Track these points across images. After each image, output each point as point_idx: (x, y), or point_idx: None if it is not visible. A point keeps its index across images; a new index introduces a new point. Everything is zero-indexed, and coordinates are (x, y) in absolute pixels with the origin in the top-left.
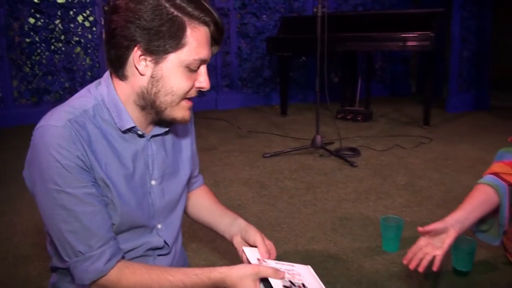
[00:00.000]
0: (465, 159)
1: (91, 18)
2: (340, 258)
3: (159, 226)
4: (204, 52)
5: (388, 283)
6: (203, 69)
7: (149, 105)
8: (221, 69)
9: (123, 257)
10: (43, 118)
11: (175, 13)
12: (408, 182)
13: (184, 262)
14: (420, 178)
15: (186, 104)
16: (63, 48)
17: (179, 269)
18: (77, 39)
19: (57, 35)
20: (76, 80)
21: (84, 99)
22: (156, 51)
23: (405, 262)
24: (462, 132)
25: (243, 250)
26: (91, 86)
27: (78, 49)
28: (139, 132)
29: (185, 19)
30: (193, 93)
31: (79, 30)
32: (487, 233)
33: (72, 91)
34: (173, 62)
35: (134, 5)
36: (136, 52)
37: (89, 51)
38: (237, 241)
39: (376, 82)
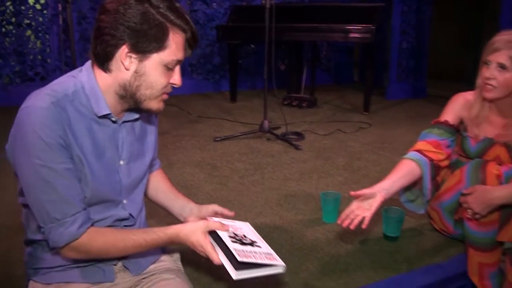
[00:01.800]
0: (401, 142)
1: (42, 1)
2: (285, 229)
3: (124, 201)
4: (180, 54)
5: (326, 248)
6: (177, 68)
7: (129, 96)
8: None
9: (92, 225)
10: (28, 99)
11: (161, 19)
12: (347, 163)
13: None
14: (358, 159)
15: (162, 97)
16: (14, 31)
17: (140, 229)
18: (28, 21)
19: (8, 18)
20: (26, 63)
21: (65, 84)
22: (142, 51)
23: (339, 222)
24: (400, 118)
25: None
26: (73, 73)
27: (29, 32)
28: (113, 119)
29: (169, 25)
30: (168, 89)
31: (30, 12)
32: (413, 203)
33: (22, 75)
34: (155, 61)
35: (124, 9)
36: (123, 50)
37: (40, 34)
38: (191, 221)
39: (321, 70)
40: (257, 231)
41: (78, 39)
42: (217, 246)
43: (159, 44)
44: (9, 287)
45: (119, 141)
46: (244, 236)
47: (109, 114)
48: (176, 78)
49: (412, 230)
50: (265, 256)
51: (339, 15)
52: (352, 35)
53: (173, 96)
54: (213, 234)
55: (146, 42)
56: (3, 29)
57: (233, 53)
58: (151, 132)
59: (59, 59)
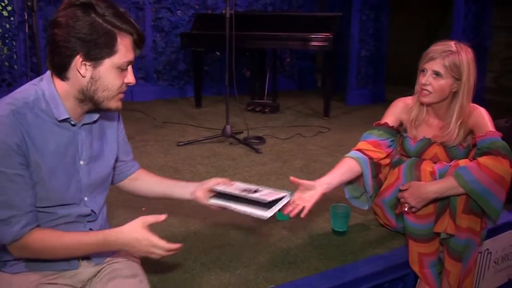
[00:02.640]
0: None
1: (9, 8)
2: (241, 226)
3: (85, 198)
4: (130, 55)
5: (278, 243)
6: (130, 68)
7: (88, 99)
8: (136, 61)
9: (38, 226)
10: None
11: (108, 27)
12: (304, 165)
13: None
14: (314, 161)
15: (119, 96)
16: None
17: (84, 232)
18: None
19: None
20: None
21: (27, 92)
22: (94, 58)
23: (284, 212)
24: (357, 122)
25: (212, 192)
26: (34, 82)
27: None
28: (72, 122)
29: (116, 31)
30: (124, 88)
31: None
32: (358, 200)
33: None
34: (108, 65)
35: (74, 22)
36: (78, 60)
37: (7, 41)
38: (199, 194)
39: (285, 76)
40: (215, 229)
41: (44, 46)
42: (232, 202)
43: (110, 49)
44: None
45: (79, 143)
46: (248, 188)
47: (68, 118)
48: (129, 77)
49: (359, 225)
50: (276, 193)
51: (299, 24)
52: (311, 43)
53: (139, 102)
54: (222, 195)
55: (97, 50)
56: None
57: (198, 60)
58: (112, 133)
59: (26, 65)
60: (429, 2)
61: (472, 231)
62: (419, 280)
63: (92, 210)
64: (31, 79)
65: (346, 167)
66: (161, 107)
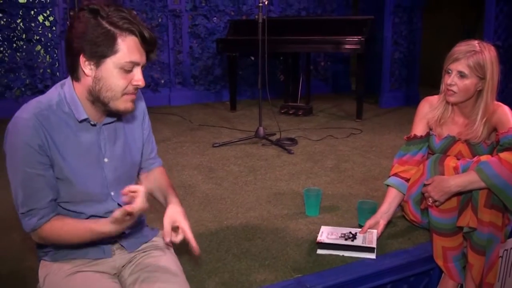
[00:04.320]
0: (388, 146)
1: (51, 18)
2: (271, 221)
3: (112, 193)
4: (134, 56)
5: (307, 237)
6: (136, 70)
7: (96, 99)
8: (174, 67)
9: (56, 215)
10: (18, 111)
11: (109, 27)
12: (334, 165)
13: (141, 219)
14: (345, 161)
15: (127, 97)
16: (24, 46)
17: (88, 220)
18: (37, 37)
19: (19, 34)
20: (36, 77)
21: (50, 95)
22: (95, 57)
23: None
24: (390, 124)
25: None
26: (58, 85)
27: (39, 47)
28: (92, 122)
29: (117, 31)
30: (130, 90)
31: (39, 29)
32: None
33: (33, 88)
34: (110, 65)
35: (77, 23)
36: (82, 59)
37: (49, 49)
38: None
39: (319, 80)
40: (246, 223)
41: None
42: (343, 252)
43: (110, 49)
44: (25, 270)
45: (101, 142)
46: (342, 233)
47: (87, 118)
48: (136, 79)
49: None
50: (370, 235)
51: (331, 28)
52: (343, 46)
53: (176, 106)
54: (327, 245)
55: (98, 49)
56: (14, 45)
57: (233, 64)
58: (137, 130)
59: (67, 72)
60: (463, 4)
61: (494, 226)
62: (443, 274)
63: (119, 204)
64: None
65: (392, 195)
66: (198, 111)
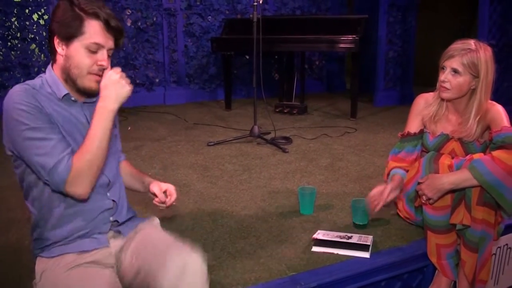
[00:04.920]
0: (382, 145)
1: (45, 17)
2: (266, 220)
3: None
4: (98, 38)
5: (301, 235)
6: (103, 52)
7: (67, 76)
8: (169, 66)
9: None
10: (9, 92)
11: (78, 12)
12: (329, 163)
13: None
14: (340, 160)
15: (91, 77)
16: (19, 45)
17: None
18: (32, 36)
19: (13, 32)
20: (31, 75)
21: (34, 81)
22: (65, 38)
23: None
24: (384, 123)
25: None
26: (40, 75)
27: (33, 45)
28: (72, 98)
29: (84, 15)
30: (95, 69)
31: (34, 27)
32: None
33: None
34: (77, 45)
35: (54, 11)
36: (56, 40)
37: (44, 48)
38: (155, 190)
39: (314, 79)
40: (241, 222)
41: None
42: (337, 249)
43: (78, 31)
44: (21, 268)
45: (87, 117)
46: (339, 234)
47: (67, 93)
48: (100, 59)
49: (379, 219)
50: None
51: (326, 27)
52: (337, 45)
53: (171, 105)
54: (322, 242)
55: (67, 31)
56: (9, 43)
57: (228, 63)
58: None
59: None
60: (458, 3)
61: (486, 223)
62: (437, 271)
63: (108, 179)
64: None
65: (397, 178)
66: (192, 110)
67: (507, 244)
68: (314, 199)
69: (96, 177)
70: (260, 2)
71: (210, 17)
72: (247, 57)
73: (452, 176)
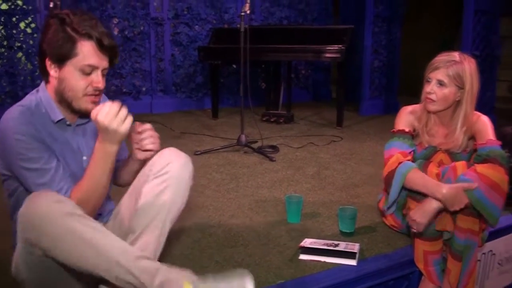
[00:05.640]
0: (368, 153)
1: (32, 25)
2: (253, 229)
3: None
4: (92, 59)
5: (289, 243)
6: (98, 72)
7: (62, 99)
8: (156, 75)
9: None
10: (3, 116)
11: (70, 33)
12: (315, 172)
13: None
14: (326, 168)
15: (87, 99)
16: (5, 53)
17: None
18: (19, 44)
19: (0, 41)
20: (17, 84)
21: (29, 100)
22: (58, 60)
23: None
24: (370, 132)
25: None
26: (33, 92)
27: (20, 54)
28: (67, 123)
29: (76, 36)
30: (90, 91)
31: (21, 36)
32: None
33: (13, 95)
34: (70, 67)
35: (45, 30)
36: (48, 62)
37: (30, 56)
38: (139, 156)
39: (300, 88)
40: (229, 231)
41: None
42: (323, 257)
43: (70, 52)
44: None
45: (78, 141)
46: (327, 242)
47: (63, 119)
48: (96, 81)
49: (366, 227)
50: (352, 244)
51: (312, 37)
52: (324, 54)
53: (158, 114)
54: (309, 250)
55: (60, 52)
56: None
57: (215, 72)
58: None
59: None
60: (442, 14)
61: (471, 231)
62: (423, 277)
63: None
64: None
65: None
66: (179, 119)
67: (491, 250)
68: (301, 208)
69: (95, 209)
70: (248, 12)
71: (197, 26)
72: (234, 66)
73: (434, 201)
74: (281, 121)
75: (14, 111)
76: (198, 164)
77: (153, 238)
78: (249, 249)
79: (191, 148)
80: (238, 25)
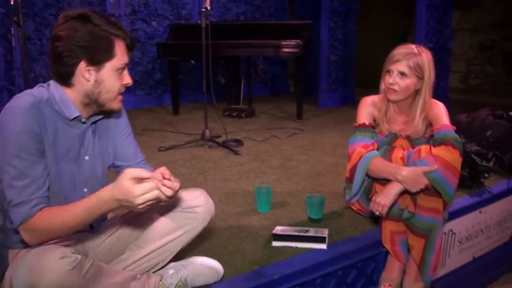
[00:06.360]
0: (329, 144)
1: None
2: (225, 220)
3: (85, 190)
4: (126, 58)
5: (261, 232)
6: (126, 71)
7: (93, 102)
8: None
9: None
10: (10, 102)
11: (105, 34)
12: (280, 163)
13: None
14: (290, 160)
15: (119, 97)
16: None
17: (81, 200)
18: None
19: None
20: None
21: (39, 92)
22: (96, 63)
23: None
24: (329, 124)
25: None
26: (44, 85)
27: None
28: (82, 120)
29: (112, 37)
30: (122, 89)
31: None
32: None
33: None
34: (109, 68)
35: (74, 33)
36: (82, 66)
37: None
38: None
39: (259, 82)
40: None
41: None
42: (295, 242)
43: (109, 54)
44: None
45: (86, 140)
46: (298, 229)
47: (79, 116)
48: (127, 78)
49: (334, 213)
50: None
51: (271, 32)
52: (282, 49)
53: None
54: (281, 237)
55: (98, 54)
56: None
57: (174, 69)
58: (112, 132)
59: (5, 79)
60: (396, 9)
61: (435, 210)
62: (389, 257)
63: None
64: (11, 93)
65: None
66: (140, 116)
67: (451, 230)
68: (270, 197)
69: (50, 240)
70: (208, 8)
71: (154, 22)
72: (193, 62)
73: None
74: (243, 115)
75: (24, 100)
76: (163, 160)
77: (152, 261)
78: (223, 239)
79: (154, 144)
80: (199, 21)
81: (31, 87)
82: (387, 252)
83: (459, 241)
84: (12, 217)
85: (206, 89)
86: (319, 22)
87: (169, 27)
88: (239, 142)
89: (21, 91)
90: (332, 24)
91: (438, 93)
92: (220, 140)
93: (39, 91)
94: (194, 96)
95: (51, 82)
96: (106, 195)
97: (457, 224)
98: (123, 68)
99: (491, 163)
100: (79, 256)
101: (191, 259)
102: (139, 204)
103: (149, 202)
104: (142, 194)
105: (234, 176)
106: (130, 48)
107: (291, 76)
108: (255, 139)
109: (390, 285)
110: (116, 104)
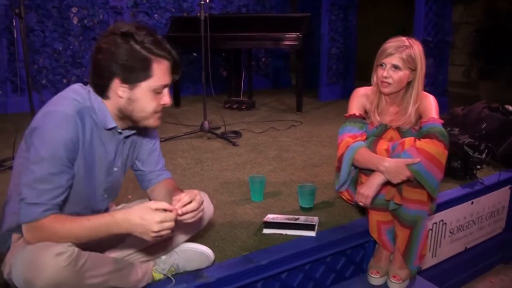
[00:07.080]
0: (326, 136)
1: None
2: (219, 208)
3: (105, 195)
4: (166, 79)
5: (253, 220)
6: (165, 91)
7: (126, 117)
8: None
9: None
10: (54, 104)
11: (145, 53)
12: (277, 155)
13: None
14: (287, 151)
15: (156, 115)
16: None
17: (95, 215)
18: None
19: None
20: None
21: (84, 95)
22: (131, 81)
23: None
24: (329, 116)
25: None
26: (84, 87)
27: None
28: (119, 130)
29: (152, 57)
30: (159, 109)
31: None
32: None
33: None
34: (144, 88)
35: (115, 49)
36: (116, 82)
37: None
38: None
39: (260, 76)
40: None
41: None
42: (286, 230)
43: (145, 74)
44: None
45: (118, 152)
46: (287, 217)
47: (115, 126)
48: (165, 99)
49: (324, 202)
50: (310, 218)
51: (271, 25)
52: (282, 42)
53: None
54: (272, 224)
55: (134, 74)
56: None
57: None
58: (142, 142)
59: (8, 70)
60: (397, 1)
61: (420, 202)
62: (377, 245)
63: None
64: (14, 84)
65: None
66: None
67: (442, 220)
68: (263, 187)
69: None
70: (207, 0)
71: (156, 15)
72: (195, 54)
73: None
74: (243, 107)
75: (70, 105)
76: (162, 150)
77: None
78: (216, 226)
79: None
80: (198, 14)
81: (34, 78)
82: (375, 241)
83: (450, 232)
84: (21, 213)
85: (205, 81)
86: (320, 15)
87: (170, 19)
88: (237, 133)
89: (23, 82)
90: (332, 17)
91: (437, 87)
92: (219, 131)
93: (82, 96)
94: (195, 89)
95: (91, 89)
96: (121, 216)
97: (448, 215)
98: (161, 89)
99: (484, 155)
100: (76, 250)
101: (182, 245)
102: (154, 232)
103: (162, 232)
104: (161, 222)
105: (230, 167)
106: (173, 70)
107: (293, 69)
108: (254, 131)
109: (378, 272)
110: (152, 122)
